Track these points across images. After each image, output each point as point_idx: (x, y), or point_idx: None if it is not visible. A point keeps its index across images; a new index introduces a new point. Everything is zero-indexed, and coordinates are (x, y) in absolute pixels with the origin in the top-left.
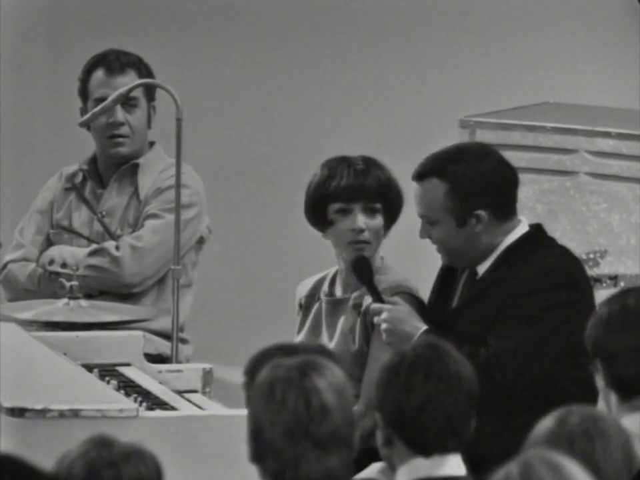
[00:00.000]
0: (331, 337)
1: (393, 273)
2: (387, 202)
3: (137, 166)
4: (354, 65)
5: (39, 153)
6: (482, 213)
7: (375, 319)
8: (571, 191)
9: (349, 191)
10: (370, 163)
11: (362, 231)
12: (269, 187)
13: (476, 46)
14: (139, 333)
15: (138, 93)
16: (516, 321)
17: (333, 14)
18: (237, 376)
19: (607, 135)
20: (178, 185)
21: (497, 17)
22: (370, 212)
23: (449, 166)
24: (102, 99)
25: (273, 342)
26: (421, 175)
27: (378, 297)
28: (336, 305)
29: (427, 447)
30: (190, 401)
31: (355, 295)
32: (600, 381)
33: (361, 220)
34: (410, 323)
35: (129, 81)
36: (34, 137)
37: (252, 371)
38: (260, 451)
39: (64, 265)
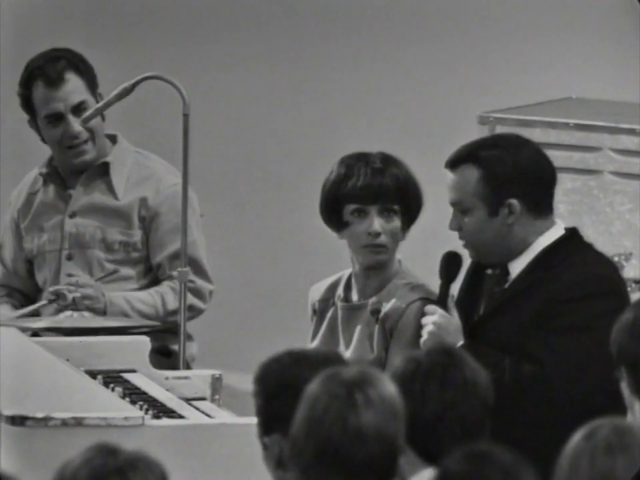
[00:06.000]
0: (347, 344)
1: (411, 277)
2: (405, 202)
3: (107, 165)
4: (369, 61)
5: (39, 152)
6: (514, 202)
7: (424, 319)
8: (594, 190)
9: (365, 192)
10: (388, 161)
11: (378, 234)
12: (278, 186)
13: (495, 40)
14: (145, 338)
15: (83, 96)
16: (561, 332)
17: (349, 10)
18: (247, 383)
19: (631, 132)
20: (185, 183)
21: (517, 10)
22: (387, 214)
23: (484, 151)
24: (54, 115)
25: (284, 348)
26: (454, 162)
27: (442, 300)
28: (352, 311)
29: (441, 457)
30: (198, 409)
31: (372, 300)
32: (625, 389)
33: (377, 223)
34: (455, 336)
35: (72, 86)
36: (34, 135)
37: (262, 378)
38: (291, 460)
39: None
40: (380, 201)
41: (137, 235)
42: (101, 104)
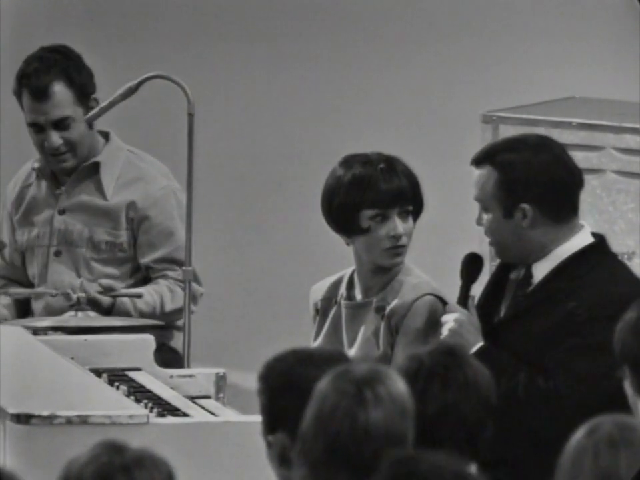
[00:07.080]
0: (351, 342)
1: (414, 273)
2: (417, 201)
3: (97, 164)
4: (373, 61)
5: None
6: (527, 207)
7: (444, 317)
8: (597, 189)
9: (387, 197)
10: (392, 162)
11: (401, 237)
12: (282, 186)
13: (499, 39)
14: (150, 337)
15: (68, 110)
16: (577, 352)
17: (352, 11)
18: (251, 381)
19: (634, 131)
20: (190, 183)
21: (521, 10)
22: (404, 215)
23: (502, 154)
24: (35, 125)
25: (288, 346)
26: (477, 161)
27: (462, 301)
28: (357, 309)
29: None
30: (202, 407)
31: (376, 298)
32: (628, 387)
33: (400, 225)
34: (475, 335)
35: (57, 99)
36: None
37: (266, 377)
38: (299, 457)
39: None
40: (399, 204)
41: (123, 236)
42: (105, 103)
